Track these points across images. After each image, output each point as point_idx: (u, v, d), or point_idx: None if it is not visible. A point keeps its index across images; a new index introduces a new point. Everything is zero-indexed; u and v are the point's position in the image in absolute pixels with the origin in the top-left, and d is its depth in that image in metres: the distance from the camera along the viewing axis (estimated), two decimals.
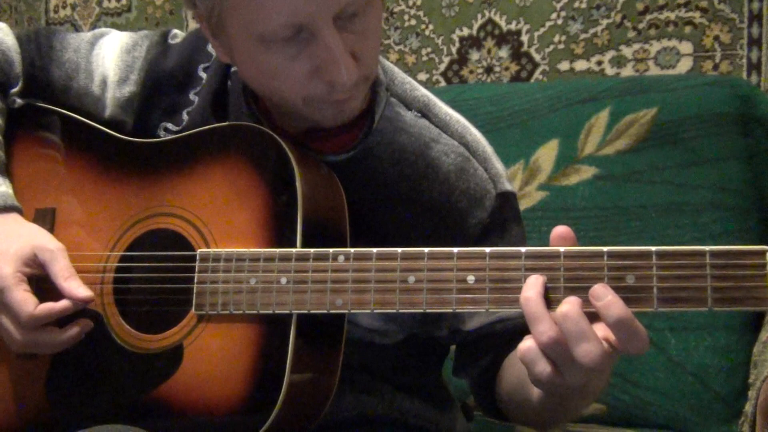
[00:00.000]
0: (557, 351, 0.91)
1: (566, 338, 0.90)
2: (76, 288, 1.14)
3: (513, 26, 2.22)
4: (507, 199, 1.23)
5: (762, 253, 0.87)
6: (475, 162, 1.22)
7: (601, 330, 0.91)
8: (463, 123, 1.26)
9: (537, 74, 2.20)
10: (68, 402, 1.19)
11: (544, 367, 0.93)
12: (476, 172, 1.22)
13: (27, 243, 1.17)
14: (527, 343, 0.94)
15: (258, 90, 1.18)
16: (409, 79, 1.27)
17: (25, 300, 1.13)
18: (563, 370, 0.93)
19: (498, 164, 1.25)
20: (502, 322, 1.21)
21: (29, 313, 1.12)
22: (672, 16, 2.05)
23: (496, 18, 2.24)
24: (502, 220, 1.22)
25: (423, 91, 1.27)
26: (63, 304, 1.14)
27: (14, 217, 1.21)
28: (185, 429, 1.11)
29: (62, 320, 1.16)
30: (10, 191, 1.23)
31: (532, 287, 0.93)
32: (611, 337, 0.91)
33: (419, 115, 1.23)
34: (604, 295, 0.90)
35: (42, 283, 1.17)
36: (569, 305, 0.91)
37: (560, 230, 0.96)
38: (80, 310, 1.16)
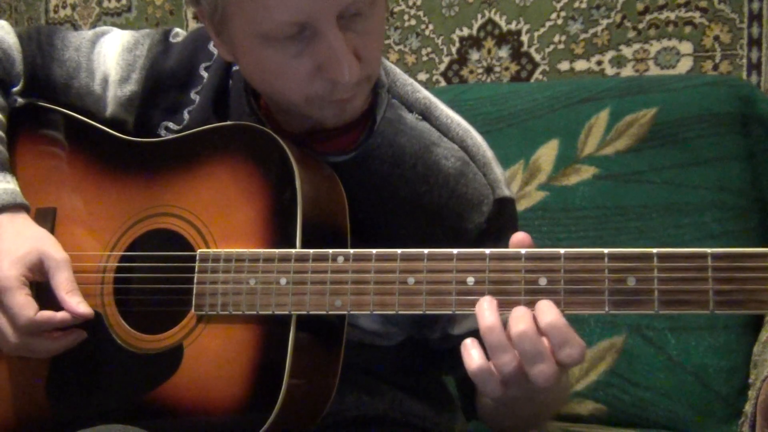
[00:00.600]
0: (516, 376, 0.92)
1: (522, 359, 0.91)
2: (76, 304, 1.14)
3: (513, 26, 2.22)
4: (505, 205, 1.23)
5: (764, 256, 0.87)
6: (474, 167, 1.22)
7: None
8: (464, 127, 1.25)
9: (537, 74, 2.20)
10: (68, 402, 1.19)
11: (495, 387, 0.94)
12: (475, 176, 1.21)
13: (35, 248, 1.17)
14: (478, 362, 0.93)
15: (260, 89, 1.18)
16: (410, 80, 1.27)
17: (25, 304, 1.13)
18: (510, 387, 0.94)
19: (497, 169, 1.25)
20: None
21: (29, 318, 1.12)
22: (672, 16, 2.04)
23: (496, 18, 2.24)
24: (499, 226, 1.22)
25: (425, 93, 1.26)
26: (62, 315, 1.14)
27: (23, 217, 1.21)
28: (185, 429, 1.11)
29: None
30: (18, 188, 1.24)
31: (492, 313, 0.93)
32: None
33: (420, 117, 1.23)
34: (542, 303, 0.92)
35: (42, 290, 1.17)
36: (525, 324, 0.91)
37: (519, 237, 0.97)
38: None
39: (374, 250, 1.02)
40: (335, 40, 1.04)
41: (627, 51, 2.10)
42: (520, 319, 0.92)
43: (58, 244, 1.19)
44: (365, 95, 1.16)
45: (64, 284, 1.15)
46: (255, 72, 1.13)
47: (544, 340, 0.91)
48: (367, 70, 1.09)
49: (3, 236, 1.18)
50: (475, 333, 1.19)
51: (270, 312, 1.06)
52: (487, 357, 0.94)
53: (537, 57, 2.19)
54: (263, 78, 1.13)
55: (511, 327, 0.92)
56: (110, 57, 1.30)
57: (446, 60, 2.31)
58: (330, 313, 1.04)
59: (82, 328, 1.17)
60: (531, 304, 0.94)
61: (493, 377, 0.93)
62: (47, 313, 1.13)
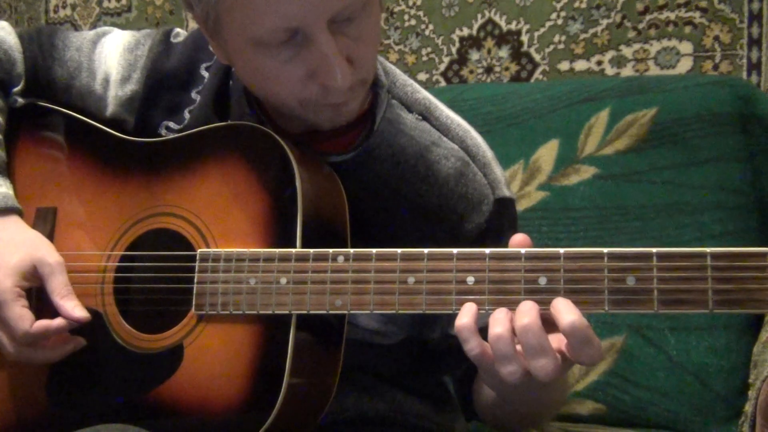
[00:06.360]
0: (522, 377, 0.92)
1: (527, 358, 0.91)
2: (72, 308, 1.14)
3: (513, 26, 2.22)
4: (504, 206, 1.23)
5: (763, 255, 0.87)
6: (474, 167, 1.22)
7: (555, 341, 0.92)
8: (464, 127, 1.26)
9: (537, 74, 2.20)
10: (68, 401, 1.19)
11: (493, 375, 0.94)
12: (475, 177, 1.22)
13: (28, 255, 1.16)
14: (478, 349, 0.94)
15: (255, 92, 1.18)
16: (410, 81, 1.27)
17: (21, 317, 1.12)
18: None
19: (497, 170, 1.25)
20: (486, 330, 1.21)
21: (25, 330, 1.12)
22: (672, 16, 2.04)
23: (496, 18, 2.24)
24: (499, 226, 1.22)
25: (425, 94, 1.26)
26: (59, 322, 1.14)
27: (15, 221, 1.21)
28: (185, 429, 1.11)
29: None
30: (11, 192, 1.23)
31: (500, 323, 0.92)
32: (562, 347, 0.92)
33: (420, 117, 1.23)
34: (560, 302, 0.91)
35: (41, 295, 1.17)
36: (529, 318, 0.90)
37: (518, 238, 0.97)
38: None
39: (374, 250, 1.02)
40: (326, 46, 1.03)
41: (627, 51, 2.10)
42: (525, 313, 0.91)
43: (51, 247, 1.19)
44: (360, 99, 1.16)
45: (58, 289, 1.15)
46: (249, 76, 1.13)
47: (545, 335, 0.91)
48: (360, 74, 1.09)
49: None
50: None
51: (270, 312, 1.06)
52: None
53: (537, 57, 2.20)
54: (257, 82, 1.13)
55: (516, 320, 0.91)
56: (111, 57, 1.30)
57: (446, 60, 2.32)
58: (330, 312, 1.04)
59: (84, 327, 1.17)
60: None
61: (493, 366, 0.93)
62: (43, 323, 1.13)
